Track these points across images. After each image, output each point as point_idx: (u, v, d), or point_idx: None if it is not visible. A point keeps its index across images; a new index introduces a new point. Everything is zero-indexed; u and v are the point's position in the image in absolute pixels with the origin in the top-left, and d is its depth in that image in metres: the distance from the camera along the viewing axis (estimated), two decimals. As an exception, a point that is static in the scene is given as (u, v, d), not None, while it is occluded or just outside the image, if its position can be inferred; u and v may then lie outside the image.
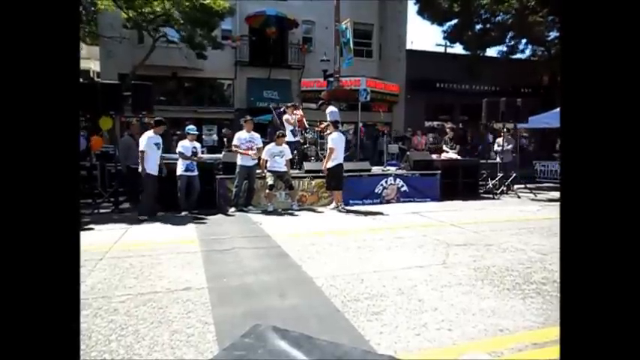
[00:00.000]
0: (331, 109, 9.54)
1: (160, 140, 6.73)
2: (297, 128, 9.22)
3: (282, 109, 10.12)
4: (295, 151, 9.12)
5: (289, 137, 9.35)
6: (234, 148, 7.40)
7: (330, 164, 7.42)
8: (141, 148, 6.49)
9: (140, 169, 6.46)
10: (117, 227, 5.93)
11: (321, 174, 7.95)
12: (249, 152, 7.26)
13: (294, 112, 9.15)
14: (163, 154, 6.91)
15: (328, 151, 7.57)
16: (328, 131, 8.06)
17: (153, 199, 6.69)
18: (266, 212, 7.22)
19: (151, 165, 6.51)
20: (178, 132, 12.40)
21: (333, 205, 7.73)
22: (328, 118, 9.06)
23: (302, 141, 9.57)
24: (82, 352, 2.33)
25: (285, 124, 9.10)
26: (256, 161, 7.43)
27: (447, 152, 10.37)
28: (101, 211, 7.25)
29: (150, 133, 6.65)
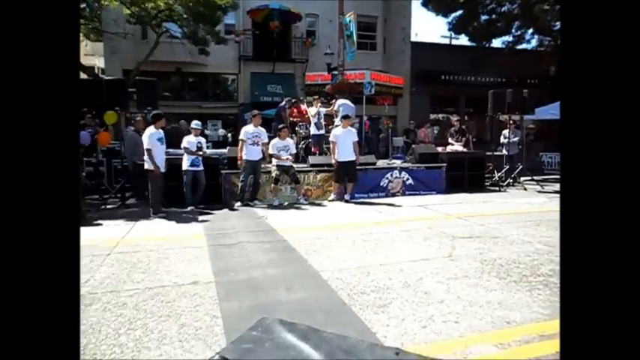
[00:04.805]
0: (342, 101, 9.35)
1: (162, 135, 6.55)
2: (321, 121, 9.22)
3: (283, 103, 10.10)
4: (317, 144, 9.18)
5: (313, 130, 9.35)
6: (240, 143, 7.40)
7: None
8: (147, 146, 6.34)
9: (152, 167, 6.32)
10: (124, 223, 5.97)
11: (326, 168, 7.96)
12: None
13: (321, 106, 9.22)
14: (167, 149, 6.88)
15: (331, 145, 7.62)
16: (335, 124, 8.07)
17: (161, 196, 6.61)
18: (271, 206, 7.24)
19: (158, 161, 6.41)
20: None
21: (333, 196, 7.87)
22: (336, 109, 9.02)
23: (326, 134, 9.51)
24: (92, 346, 2.36)
25: (310, 117, 9.13)
26: (262, 155, 7.44)
27: (453, 144, 10.30)
28: (108, 206, 7.31)
29: (151, 129, 6.46)
